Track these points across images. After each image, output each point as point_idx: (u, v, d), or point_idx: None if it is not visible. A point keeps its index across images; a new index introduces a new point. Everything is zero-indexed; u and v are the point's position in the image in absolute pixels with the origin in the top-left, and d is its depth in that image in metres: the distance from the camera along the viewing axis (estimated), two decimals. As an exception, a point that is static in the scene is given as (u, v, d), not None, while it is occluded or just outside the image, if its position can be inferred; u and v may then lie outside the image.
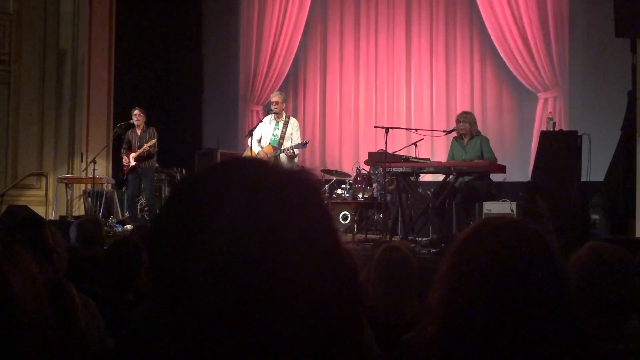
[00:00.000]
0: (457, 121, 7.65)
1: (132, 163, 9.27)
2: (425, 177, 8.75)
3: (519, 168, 9.62)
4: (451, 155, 7.71)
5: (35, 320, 1.01)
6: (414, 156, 7.92)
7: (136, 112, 9.40)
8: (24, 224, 3.22)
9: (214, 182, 0.76)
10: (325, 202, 0.80)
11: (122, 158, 9.50)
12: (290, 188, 0.75)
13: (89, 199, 9.84)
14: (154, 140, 9.25)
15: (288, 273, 0.71)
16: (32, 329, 1.00)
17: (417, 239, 7.32)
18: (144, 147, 9.20)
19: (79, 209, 10.13)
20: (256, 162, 0.78)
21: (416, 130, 8.09)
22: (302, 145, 8.33)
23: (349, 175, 9.76)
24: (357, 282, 0.78)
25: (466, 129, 7.53)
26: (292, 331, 0.71)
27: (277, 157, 8.20)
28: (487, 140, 7.62)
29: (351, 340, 0.76)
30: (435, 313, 1.29)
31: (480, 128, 7.98)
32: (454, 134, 7.77)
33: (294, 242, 0.72)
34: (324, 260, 0.73)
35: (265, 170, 0.76)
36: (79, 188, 10.23)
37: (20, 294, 1.00)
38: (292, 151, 8.19)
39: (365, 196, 9.10)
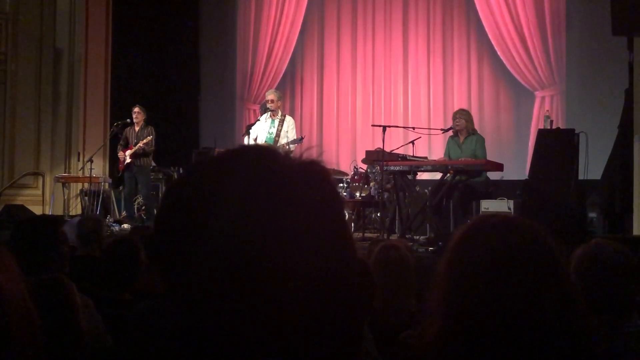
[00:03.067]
0: (454, 118, 7.68)
1: (128, 160, 9.22)
2: (422, 176, 8.75)
3: (517, 166, 9.62)
4: (447, 154, 7.71)
5: (22, 321, 1.00)
6: (412, 154, 7.92)
7: (136, 109, 9.36)
8: (42, 222, 3.23)
9: (219, 170, 0.74)
10: (338, 194, 0.78)
11: (118, 154, 9.46)
12: (298, 177, 0.73)
13: (86, 198, 9.82)
14: (149, 138, 9.19)
15: (294, 265, 0.69)
16: (18, 328, 0.99)
17: (414, 237, 7.32)
18: (139, 144, 9.15)
19: (75, 208, 10.11)
20: (263, 151, 0.76)
21: (413, 128, 8.10)
22: (298, 141, 8.28)
23: (347, 174, 9.75)
24: (370, 279, 0.76)
25: (462, 125, 7.54)
26: (293, 325, 0.70)
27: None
28: (483, 140, 7.62)
29: (352, 339, 0.75)
30: (436, 313, 1.29)
31: (477, 126, 7.98)
32: (451, 132, 7.78)
33: (297, 233, 0.70)
34: (331, 253, 0.72)
35: (273, 159, 0.74)
36: (76, 187, 10.21)
37: (4, 290, 0.99)
38: (287, 147, 8.17)
39: (363, 195, 9.10)
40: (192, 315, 0.72)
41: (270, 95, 8.48)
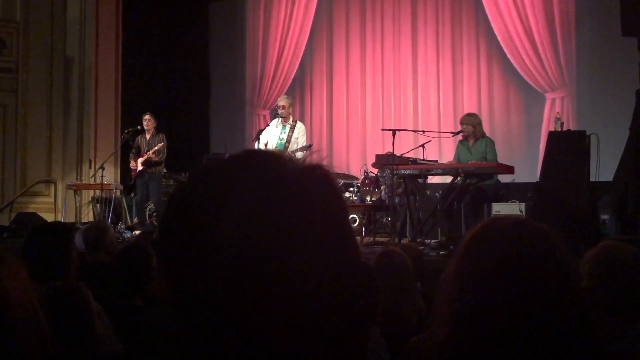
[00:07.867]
0: (461, 123, 7.64)
1: (140, 167, 9.27)
2: (433, 179, 8.73)
3: (527, 169, 9.58)
4: (457, 158, 7.68)
5: (29, 328, 1.01)
6: (422, 158, 7.90)
7: (147, 117, 9.42)
8: (54, 230, 3.25)
9: (224, 175, 0.74)
10: (343, 199, 0.77)
11: (130, 163, 9.52)
12: (303, 182, 0.73)
13: (98, 205, 9.87)
14: (160, 145, 9.24)
15: (300, 270, 0.69)
16: (25, 336, 1.00)
17: (425, 241, 7.31)
18: (149, 153, 9.20)
19: (87, 216, 10.16)
20: (268, 155, 0.76)
21: (423, 132, 8.07)
22: (307, 147, 8.28)
23: (357, 178, 9.74)
24: (374, 283, 0.76)
25: (469, 131, 7.51)
26: (299, 329, 0.70)
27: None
28: (493, 143, 7.59)
29: (357, 344, 0.75)
30: (445, 315, 1.28)
31: (487, 129, 7.94)
32: (460, 136, 7.75)
33: (301, 237, 0.70)
34: (334, 257, 0.72)
35: (277, 163, 0.74)
36: (88, 194, 10.27)
37: (13, 297, 1.00)
38: (295, 153, 8.16)
39: (373, 199, 9.08)
40: (197, 320, 0.72)
41: (282, 102, 8.49)
